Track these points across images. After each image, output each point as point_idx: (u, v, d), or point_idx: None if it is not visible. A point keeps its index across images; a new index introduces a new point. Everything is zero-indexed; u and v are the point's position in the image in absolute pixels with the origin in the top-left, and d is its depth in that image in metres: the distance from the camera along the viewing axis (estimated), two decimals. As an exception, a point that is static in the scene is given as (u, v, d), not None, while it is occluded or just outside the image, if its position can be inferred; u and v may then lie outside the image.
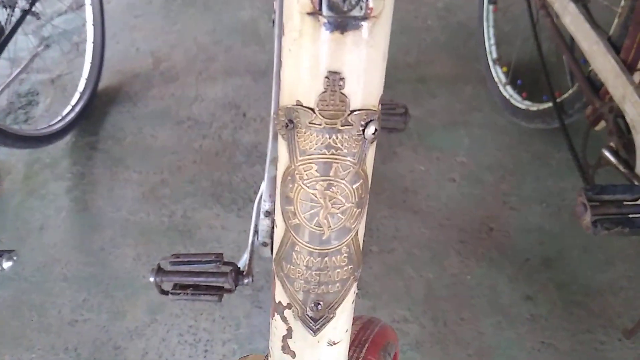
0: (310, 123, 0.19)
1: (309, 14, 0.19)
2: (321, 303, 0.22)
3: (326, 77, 0.19)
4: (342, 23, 0.18)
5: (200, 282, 0.77)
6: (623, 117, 0.97)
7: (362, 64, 0.19)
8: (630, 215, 0.81)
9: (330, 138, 0.19)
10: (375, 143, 0.21)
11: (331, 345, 0.24)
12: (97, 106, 1.59)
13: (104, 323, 1.11)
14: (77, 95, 1.54)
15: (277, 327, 0.24)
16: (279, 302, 0.23)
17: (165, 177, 1.39)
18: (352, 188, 0.20)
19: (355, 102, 0.19)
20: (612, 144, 0.99)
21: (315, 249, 0.22)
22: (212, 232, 1.26)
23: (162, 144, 1.48)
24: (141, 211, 1.31)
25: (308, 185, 0.20)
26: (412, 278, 1.17)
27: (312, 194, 0.20)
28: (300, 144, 0.20)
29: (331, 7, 0.18)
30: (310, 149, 0.20)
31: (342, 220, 0.21)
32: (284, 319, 0.23)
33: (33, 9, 1.37)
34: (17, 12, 1.35)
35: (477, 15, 1.61)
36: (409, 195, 1.32)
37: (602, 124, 1.06)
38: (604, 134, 1.03)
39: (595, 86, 1.07)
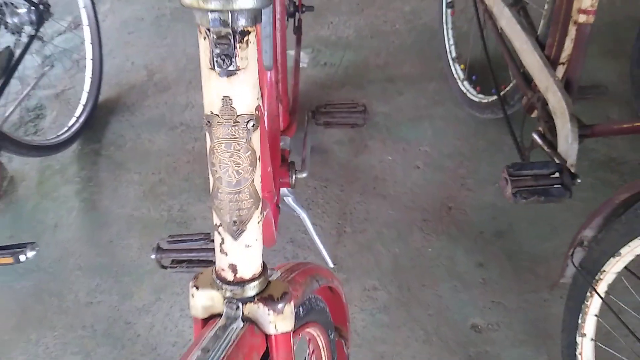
0: (217, 122, 0.36)
1: (210, 69, 0.36)
2: (237, 220, 0.39)
3: (222, 99, 0.35)
4: (226, 72, 0.35)
5: (192, 257, 0.94)
6: (547, 105, 1.14)
7: (240, 91, 0.36)
8: (546, 187, 0.98)
9: (229, 129, 0.36)
10: (258, 130, 0.38)
11: (247, 247, 0.40)
12: (99, 116, 1.77)
13: (115, 303, 1.29)
14: (80, 108, 1.72)
15: (216, 239, 0.40)
16: (215, 223, 0.40)
17: (162, 176, 1.56)
18: (245, 155, 0.37)
19: (240, 110, 0.36)
20: (540, 128, 1.16)
21: (230, 190, 0.38)
22: (206, 222, 1.43)
23: (159, 147, 1.65)
24: (143, 207, 1.49)
25: (221, 155, 0.37)
26: (381, 253, 1.34)
27: (224, 159, 0.37)
28: (214, 133, 0.37)
29: (219, 66, 0.34)
30: (220, 135, 0.37)
31: (242, 173, 0.37)
32: (219, 233, 0.40)
33: (38, 33, 1.54)
34: (25, 37, 1.52)
35: (437, 18, 1.78)
36: (378, 183, 1.49)
37: (536, 112, 1.23)
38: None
39: (528, 80, 1.24)
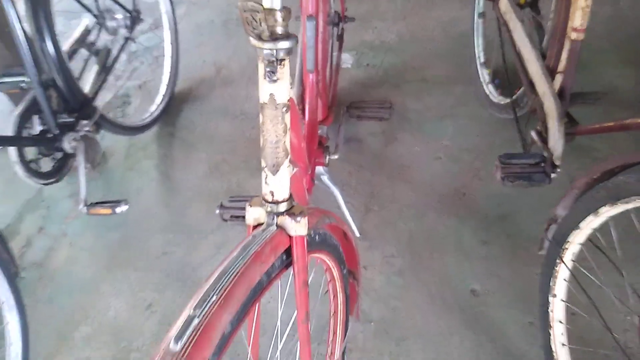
0: (266, 107, 0.63)
1: (263, 78, 0.63)
2: (274, 164, 0.66)
3: (269, 95, 0.62)
4: (271, 81, 0.62)
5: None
6: (544, 107, 1.35)
7: (278, 90, 0.62)
8: (530, 173, 1.21)
9: (272, 111, 0.63)
10: (288, 112, 0.64)
11: (280, 181, 0.67)
12: (174, 105, 2.11)
13: (184, 254, 1.61)
14: (159, 97, 2.07)
15: (262, 175, 0.67)
16: (262, 166, 0.67)
17: (225, 156, 1.88)
18: (280, 126, 0.63)
19: (278, 101, 0.63)
20: (538, 127, 1.37)
21: (271, 145, 0.65)
22: (257, 192, 1.73)
23: (222, 132, 1.98)
24: (208, 181, 1.81)
25: (268, 125, 0.64)
26: (400, 228, 1.59)
27: (269, 127, 0.64)
28: (264, 113, 0.64)
29: (268, 77, 0.62)
30: (267, 114, 0.64)
31: (278, 136, 0.64)
32: (264, 171, 0.67)
33: (130, 35, 1.89)
34: (120, 39, 1.87)
35: (470, 27, 1.99)
36: (404, 170, 1.74)
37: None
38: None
39: (533, 85, 1.45)
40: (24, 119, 1.38)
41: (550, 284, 1.17)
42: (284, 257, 0.72)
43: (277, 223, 0.69)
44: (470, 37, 1.98)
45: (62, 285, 1.58)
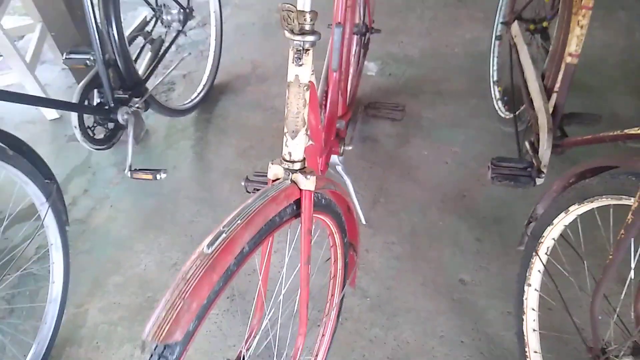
0: (292, 85, 0.82)
1: (291, 63, 0.82)
2: (294, 130, 0.85)
3: (294, 76, 0.81)
4: (297, 65, 0.81)
5: (267, 187, 1.43)
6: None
7: (302, 73, 0.81)
8: (516, 176, 1.37)
9: (296, 88, 0.81)
10: (309, 90, 0.83)
11: (296, 144, 0.86)
12: (213, 95, 2.34)
13: (210, 223, 1.82)
14: (200, 87, 2.29)
15: (284, 139, 0.86)
16: (284, 131, 0.86)
17: (253, 144, 2.09)
18: (302, 100, 0.82)
19: (302, 81, 0.82)
20: (532, 139, 1.54)
21: (293, 115, 0.84)
22: (279, 179, 1.93)
23: (253, 123, 2.19)
24: (236, 163, 2.02)
25: (291, 99, 0.83)
26: (403, 220, 1.76)
27: (292, 101, 0.82)
28: (290, 90, 0.83)
29: (295, 62, 0.81)
30: (292, 90, 0.83)
31: (299, 108, 0.83)
32: (285, 136, 0.86)
33: (182, 29, 2.13)
34: (173, 31, 2.10)
35: (488, 47, 2.16)
36: (413, 170, 1.91)
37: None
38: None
39: (532, 101, 1.61)
40: (86, 91, 1.61)
41: (527, 274, 1.33)
42: (295, 207, 0.90)
43: (291, 178, 0.88)
44: (488, 57, 2.15)
45: (100, 240, 1.80)
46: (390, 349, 1.45)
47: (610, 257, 0.98)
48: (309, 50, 0.81)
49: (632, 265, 1.00)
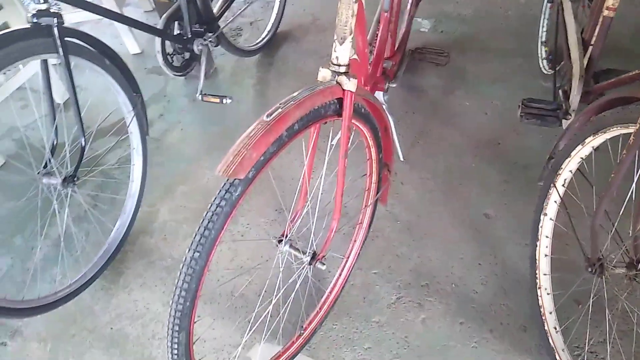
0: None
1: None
2: (342, 37, 1.03)
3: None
4: None
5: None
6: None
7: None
8: (544, 116, 1.50)
9: (347, 1, 1.00)
10: (357, 3, 1.01)
11: (343, 50, 1.04)
12: (275, 41, 2.55)
13: (263, 150, 2.05)
14: (265, 32, 2.51)
15: (333, 46, 1.05)
16: (335, 39, 1.05)
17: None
18: (351, 14, 1.00)
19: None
20: (565, 87, 1.65)
21: (341, 25, 1.02)
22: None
23: (309, 68, 2.39)
24: (291, 101, 2.23)
25: (342, 11, 1.02)
26: (439, 161, 1.92)
27: (343, 13, 1.02)
28: (341, 4, 1.01)
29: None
30: (342, 4, 1.01)
31: (348, 19, 1.02)
32: (335, 43, 1.05)
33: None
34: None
35: (540, 9, 2.24)
36: (453, 118, 2.06)
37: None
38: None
39: (570, 53, 1.71)
40: (169, 22, 1.86)
41: (544, 204, 1.47)
42: (338, 106, 1.10)
43: (336, 80, 1.08)
44: (539, 18, 2.24)
45: (171, 156, 2.07)
46: (413, 264, 1.64)
47: (613, 175, 1.12)
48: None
49: (633, 186, 1.14)
